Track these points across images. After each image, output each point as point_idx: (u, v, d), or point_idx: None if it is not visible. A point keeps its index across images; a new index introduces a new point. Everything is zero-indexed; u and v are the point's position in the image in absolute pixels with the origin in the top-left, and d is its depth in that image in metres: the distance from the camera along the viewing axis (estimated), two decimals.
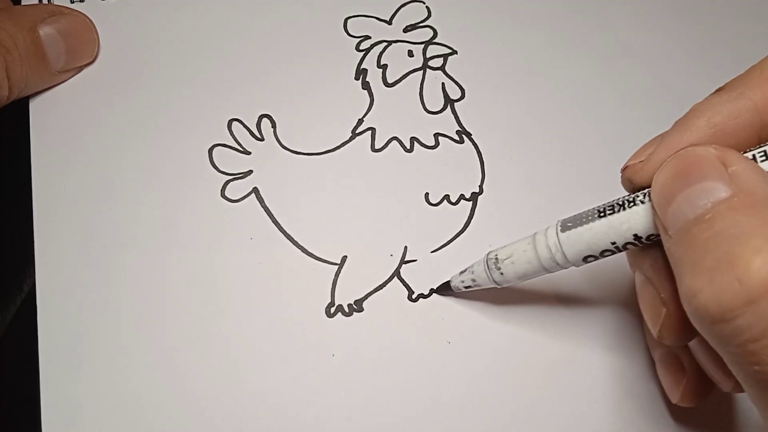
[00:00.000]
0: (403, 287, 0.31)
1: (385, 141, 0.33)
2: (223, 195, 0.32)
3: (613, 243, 0.24)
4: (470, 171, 0.33)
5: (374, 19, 0.35)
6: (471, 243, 0.32)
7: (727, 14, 0.38)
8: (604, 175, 0.33)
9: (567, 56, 0.36)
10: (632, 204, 0.24)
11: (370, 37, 0.35)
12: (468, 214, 0.32)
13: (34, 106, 0.32)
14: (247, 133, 0.33)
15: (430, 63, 0.35)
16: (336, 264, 0.31)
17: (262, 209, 0.32)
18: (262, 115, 0.33)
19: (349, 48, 0.35)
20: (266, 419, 0.28)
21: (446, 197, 0.32)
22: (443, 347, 0.30)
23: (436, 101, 0.34)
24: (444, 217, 0.32)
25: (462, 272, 0.30)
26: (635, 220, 0.23)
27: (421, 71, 0.35)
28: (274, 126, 0.33)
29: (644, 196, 0.23)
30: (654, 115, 0.35)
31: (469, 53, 0.35)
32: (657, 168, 0.23)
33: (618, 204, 0.24)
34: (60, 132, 0.32)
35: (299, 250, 0.31)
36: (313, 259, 0.31)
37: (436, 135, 0.34)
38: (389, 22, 0.35)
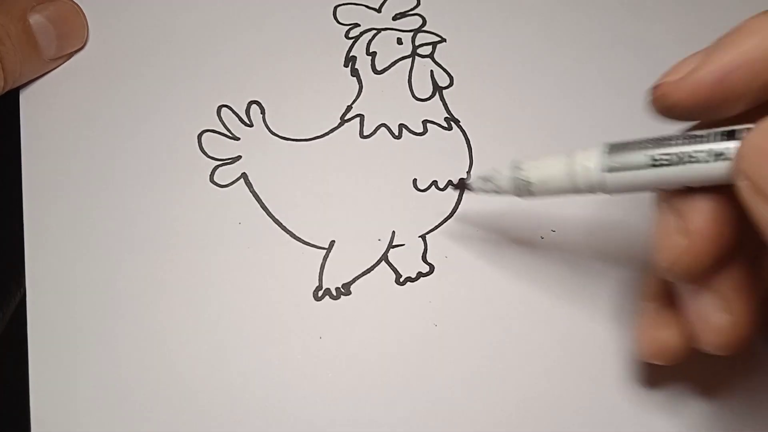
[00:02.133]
0: (391, 271, 0.31)
1: (374, 127, 0.33)
2: (211, 180, 0.32)
3: (660, 188, 0.22)
4: (458, 157, 0.33)
5: (363, 7, 0.35)
6: (458, 228, 0.32)
7: (718, 4, 0.38)
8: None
9: (556, 44, 0.36)
10: (693, 160, 0.21)
11: (359, 25, 0.35)
12: (456, 200, 0.33)
13: (25, 96, 0.32)
14: (236, 119, 0.33)
15: (419, 51, 0.35)
16: (324, 248, 0.31)
17: (250, 194, 0.32)
18: (251, 101, 0.33)
19: (338, 35, 0.35)
20: (254, 401, 0.29)
21: (434, 183, 0.33)
22: (430, 330, 0.30)
23: (424, 88, 0.34)
24: (432, 202, 0.32)
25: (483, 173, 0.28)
26: (691, 175, 0.21)
27: (410, 59, 0.35)
28: (263, 112, 0.33)
29: (708, 154, 0.20)
30: (642, 104, 0.35)
31: (458, 41, 0.36)
32: (696, 87, 0.20)
33: (677, 156, 0.21)
34: (50, 119, 0.32)
35: (287, 235, 0.31)
36: (301, 244, 0.31)
37: (425, 122, 0.34)
38: (378, 10, 0.35)
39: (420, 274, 0.31)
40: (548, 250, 0.32)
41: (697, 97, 0.21)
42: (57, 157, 0.31)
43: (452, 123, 0.34)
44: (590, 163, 0.23)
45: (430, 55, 0.35)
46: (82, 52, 0.33)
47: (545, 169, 0.25)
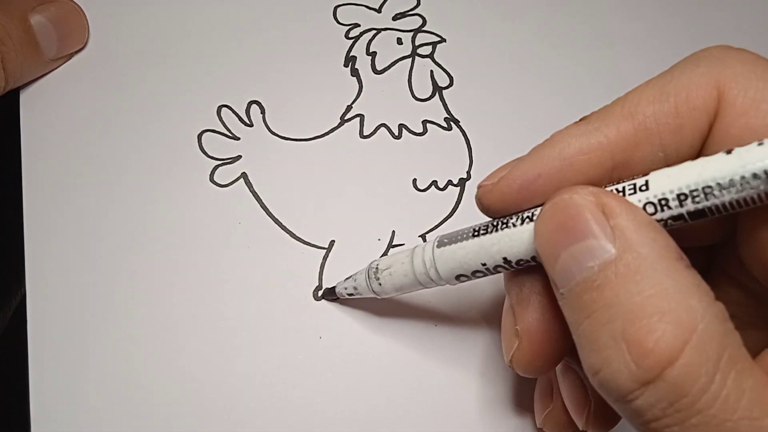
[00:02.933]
0: None
1: (374, 127, 0.33)
2: (212, 180, 0.32)
3: (484, 264, 0.23)
4: (458, 157, 0.33)
5: (363, 8, 0.35)
6: (458, 227, 0.32)
7: (712, 4, 0.38)
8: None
9: (554, 45, 0.36)
10: (505, 226, 0.23)
11: (359, 25, 0.35)
12: (455, 200, 0.33)
13: (25, 96, 0.33)
14: (236, 119, 0.33)
15: (419, 51, 0.35)
16: (324, 248, 0.31)
17: (250, 194, 0.32)
18: (251, 101, 0.33)
19: (338, 36, 0.35)
20: (254, 400, 0.29)
21: (434, 183, 0.33)
22: (430, 330, 0.30)
23: (424, 89, 0.34)
24: (432, 202, 0.32)
25: (347, 278, 0.29)
26: (505, 243, 0.22)
27: (410, 59, 0.35)
28: (263, 112, 0.33)
29: (517, 219, 0.22)
30: None
31: (457, 41, 0.36)
32: (505, 193, 0.22)
33: (492, 225, 0.23)
34: (50, 119, 0.32)
35: (287, 235, 0.31)
36: (301, 244, 0.31)
37: (425, 122, 0.34)
38: (378, 11, 0.35)
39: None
40: None
41: (507, 201, 0.23)
42: (57, 157, 0.31)
43: (452, 123, 0.34)
44: (427, 246, 0.25)
45: (430, 55, 0.35)
46: (82, 53, 0.33)
47: (393, 259, 0.27)
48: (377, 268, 0.27)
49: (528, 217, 0.22)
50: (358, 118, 0.34)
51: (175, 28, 0.34)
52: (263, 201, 0.32)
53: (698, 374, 0.17)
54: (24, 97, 0.32)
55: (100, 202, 0.31)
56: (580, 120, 0.23)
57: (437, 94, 0.34)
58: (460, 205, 0.32)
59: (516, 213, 0.23)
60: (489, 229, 0.23)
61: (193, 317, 0.30)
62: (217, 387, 0.29)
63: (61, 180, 0.31)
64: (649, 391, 0.18)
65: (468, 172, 0.33)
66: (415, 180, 0.33)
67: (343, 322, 0.30)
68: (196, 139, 0.32)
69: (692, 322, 0.18)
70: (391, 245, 0.32)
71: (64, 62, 0.33)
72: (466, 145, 0.34)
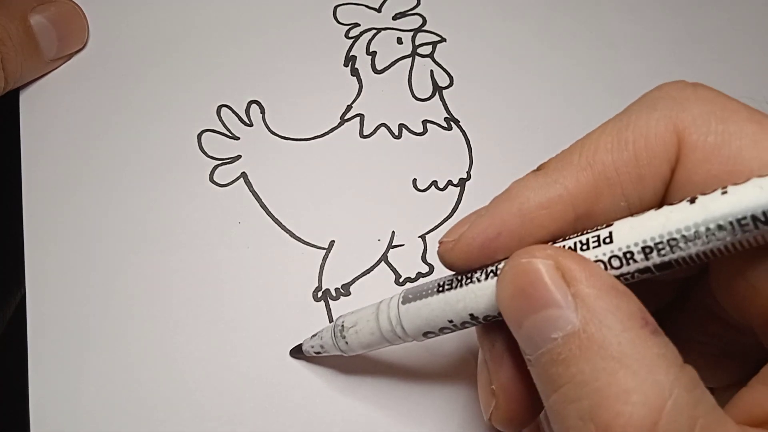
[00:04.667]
0: (391, 272, 0.31)
1: (374, 127, 0.33)
2: (211, 180, 0.32)
3: (450, 321, 0.23)
4: (458, 157, 0.33)
5: (363, 7, 0.35)
6: None
7: (712, 4, 0.38)
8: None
9: (555, 45, 0.36)
10: (469, 281, 0.22)
11: (359, 25, 0.35)
12: (456, 200, 0.33)
13: (25, 96, 0.33)
14: (236, 118, 0.33)
15: (419, 50, 0.35)
16: (324, 248, 0.31)
17: (250, 194, 0.32)
18: (251, 101, 0.33)
19: (338, 35, 0.35)
20: (254, 400, 0.29)
21: (434, 183, 0.33)
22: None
23: (424, 88, 0.34)
24: (432, 202, 0.32)
25: (313, 336, 0.28)
26: (471, 299, 0.22)
27: (410, 58, 0.35)
28: (263, 112, 0.33)
29: (481, 273, 0.22)
30: None
31: (457, 41, 0.36)
32: (466, 251, 0.22)
33: (457, 279, 0.22)
34: (50, 119, 0.32)
35: (287, 235, 0.31)
36: (301, 244, 0.31)
37: (425, 122, 0.34)
38: (378, 10, 0.35)
39: (420, 275, 0.31)
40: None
41: (469, 259, 0.22)
42: (57, 157, 0.32)
43: (452, 123, 0.34)
44: (392, 302, 0.24)
45: (430, 55, 0.35)
46: (82, 53, 0.33)
47: (358, 316, 0.26)
48: (343, 326, 0.26)
49: (492, 271, 0.21)
50: (358, 118, 0.34)
51: (175, 28, 0.34)
52: (263, 201, 0.32)
53: None
54: (24, 98, 0.32)
55: (100, 202, 0.31)
56: (538, 169, 0.22)
57: (437, 93, 0.34)
58: (460, 206, 0.32)
59: (454, 268, 0.22)
60: (454, 284, 0.22)
61: (193, 317, 0.30)
62: (217, 387, 0.29)
63: (61, 180, 0.31)
64: None
65: (468, 172, 0.33)
66: (415, 180, 0.33)
67: None
68: (196, 139, 0.32)
69: (660, 400, 0.17)
70: (391, 245, 0.32)
71: (64, 62, 0.33)
72: (466, 145, 0.34)
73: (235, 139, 0.33)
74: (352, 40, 0.35)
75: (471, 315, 0.22)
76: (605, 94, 0.35)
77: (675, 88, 0.21)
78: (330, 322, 0.30)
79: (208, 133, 0.33)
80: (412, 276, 0.31)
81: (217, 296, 0.30)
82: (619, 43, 0.36)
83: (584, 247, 0.20)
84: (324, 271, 0.31)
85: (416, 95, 0.34)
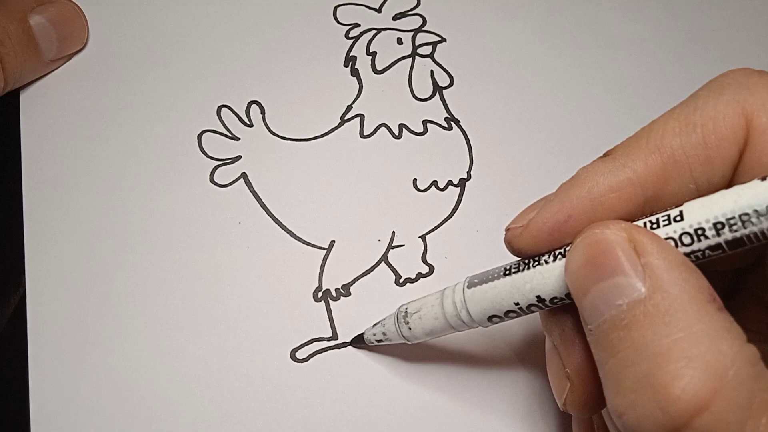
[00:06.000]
0: (391, 272, 0.31)
1: (374, 127, 0.33)
2: (212, 180, 0.32)
3: (517, 303, 0.23)
4: (458, 157, 0.33)
5: (363, 7, 0.35)
6: (459, 228, 0.32)
7: (712, 4, 0.38)
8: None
9: (555, 45, 0.36)
10: (537, 263, 0.22)
11: (359, 25, 0.35)
12: (456, 200, 0.33)
13: (25, 96, 0.33)
14: (236, 119, 0.33)
15: (419, 50, 0.35)
16: (324, 248, 0.31)
17: (250, 194, 0.32)
18: (251, 101, 0.33)
19: (338, 35, 0.35)
20: (254, 401, 0.29)
21: (434, 183, 0.33)
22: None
23: (424, 88, 0.34)
24: (432, 202, 0.32)
25: (375, 324, 0.28)
26: (538, 280, 0.22)
27: (410, 59, 0.35)
28: (263, 112, 0.33)
29: (549, 255, 0.22)
30: (640, 104, 0.35)
31: (458, 41, 0.36)
32: (535, 236, 0.22)
33: (524, 263, 0.23)
34: (50, 120, 0.32)
35: (287, 235, 0.31)
36: (301, 244, 0.31)
37: (425, 122, 0.34)
38: (378, 10, 0.35)
39: (420, 275, 0.31)
40: None
41: (538, 244, 0.22)
42: (57, 157, 0.31)
43: (452, 123, 0.34)
44: (457, 287, 0.25)
45: (430, 55, 0.35)
46: (82, 53, 0.33)
47: (422, 302, 0.26)
48: (406, 311, 0.26)
49: (560, 253, 0.22)
50: (358, 118, 0.34)
51: (175, 28, 0.34)
52: (263, 201, 0.32)
53: (728, 422, 0.17)
54: (24, 98, 0.32)
55: (100, 202, 0.31)
56: (605, 155, 0.22)
57: (437, 94, 0.34)
58: (460, 206, 0.32)
59: (522, 254, 0.23)
60: (521, 267, 0.23)
61: (193, 317, 0.30)
62: (217, 387, 0.29)
63: (61, 180, 0.31)
64: None
65: (468, 172, 0.33)
66: (415, 180, 0.33)
67: (343, 323, 0.30)
68: (196, 139, 0.32)
69: (722, 368, 0.17)
70: (391, 246, 0.32)
71: (64, 63, 0.33)
72: (466, 145, 0.34)
73: (235, 140, 0.33)
74: (352, 40, 0.35)
75: (538, 297, 0.22)
76: (605, 94, 0.35)
77: (741, 74, 0.21)
78: (330, 323, 0.30)
79: (209, 133, 0.33)
80: (412, 276, 0.31)
81: (218, 296, 0.30)
82: (619, 43, 0.36)
83: (654, 226, 0.20)
84: (324, 271, 0.31)
85: (416, 95, 0.34)
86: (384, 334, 0.28)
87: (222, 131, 0.33)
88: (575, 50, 0.36)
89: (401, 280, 0.31)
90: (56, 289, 0.30)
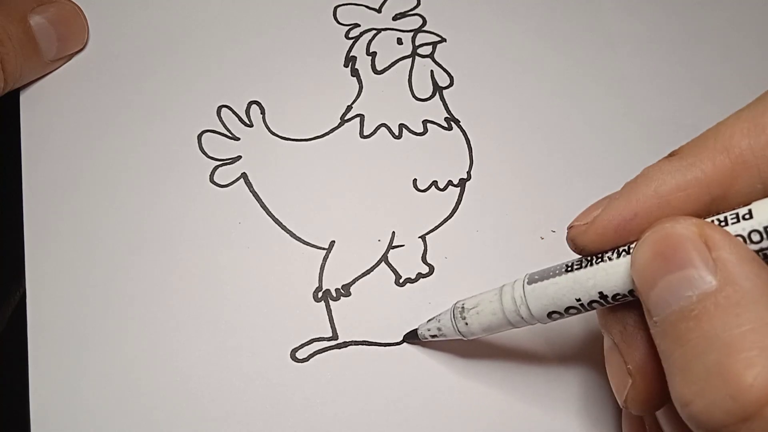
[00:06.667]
0: (391, 272, 0.31)
1: (374, 127, 0.33)
2: (212, 180, 0.32)
3: (578, 300, 0.23)
4: (458, 157, 0.33)
5: (363, 8, 0.35)
6: (459, 228, 0.32)
7: (712, 4, 0.38)
8: (591, 163, 0.33)
9: (555, 45, 0.36)
10: (600, 260, 0.22)
11: (359, 25, 0.35)
12: (456, 200, 0.33)
13: (25, 96, 0.33)
14: (236, 119, 0.33)
15: (419, 51, 0.35)
16: (324, 249, 0.31)
17: (250, 194, 0.32)
18: (251, 101, 0.33)
19: (338, 36, 0.35)
20: (254, 401, 0.29)
21: (434, 183, 0.33)
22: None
23: (424, 88, 0.34)
24: (432, 202, 0.32)
25: (430, 320, 0.28)
26: (601, 276, 0.22)
27: (410, 59, 0.35)
28: (263, 112, 0.33)
29: (613, 252, 0.22)
30: (640, 104, 0.35)
31: (458, 41, 0.36)
32: (601, 233, 0.22)
33: (586, 260, 0.23)
34: (50, 120, 0.32)
35: (287, 235, 0.31)
36: (301, 244, 0.31)
37: (425, 122, 0.34)
38: (378, 11, 0.35)
39: (420, 275, 0.31)
40: (548, 250, 0.32)
41: (603, 241, 0.23)
42: (57, 157, 0.32)
43: (452, 123, 0.34)
44: (516, 284, 0.25)
45: (430, 55, 0.35)
46: (82, 54, 0.33)
47: (480, 298, 0.26)
48: (463, 307, 0.26)
49: (624, 250, 0.22)
50: (358, 118, 0.34)
51: (175, 28, 0.34)
52: (263, 201, 0.32)
53: None
54: (24, 98, 0.33)
55: (100, 202, 0.31)
56: (671, 154, 0.22)
57: (437, 94, 0.34)
58: (460, 206, 0.32)
59: (585, 252, 0.23)
60: (583, 264, 0.23)
61: (194, 317, 0.30)
62: (217, 387, 0.29)
63: (61, 180, 0.31)
64: (747, 427, 0.17)
65: (468, 173, 0.33)
66: (415, 180, 0.33)
67: (343, 324, 0.30)
68: (196, 140, 0.32)
69: None
70: (391, 246, 0.32)
71: (64, 63, 0.33)
72: (466, 145, 0.34)
73: (235, 140, 0.33)
74: (352, 40, 0.35)
75: (600, 293, 0.22)
76: (605, 94, 0.35)
77: None
78: (330, 323, 0.30)
79: (209, 133, 0.33)
80: (413, 276, 0.31)
81: (218, 296, 0.30)
82: (619, 43, 0.36)
83: (722, 223, 0.20)
84: (324, 271, 0.31)
85: (416, 95, 0.34)
86: (439, 329, 0.28)
87: (222, 131, 0.33)
88: (575, 50, 0.36)
89: (401, 280, 0.31)
90: (56, 289, 0.30)
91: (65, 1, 0.33)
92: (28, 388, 0.28)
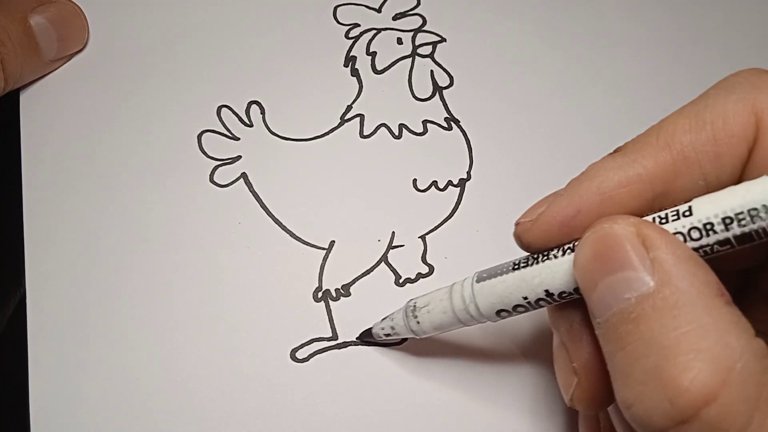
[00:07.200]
0: (390, 272, 0.31)
1: (374, 127, 0.33)
2: (212, 180, 0.32)
3: (525, 298, 0.23)
4: (458, 157, 0.33)
5: (363, 7, 0.35)
6: (458, 228, 0.32)
7: (712, 4, 0.38)
8: (591, 163, 0.33)
9: (556, 44, 0.36)
10: (546, 258, 0.22)
11: (359, 25, 0.35)
12: (456, 200, 0.33)
13: (25, 96, 0.33)
14: (236, 119, 0.33)
15: (419, 50, 0.35)
16: (324, 249, 0.31)
17: (250, 194, 0.32)
18: (251, 101, 0.33)
19: (338, 35, 0.35)
20: (254, 401, 0.29)
21: (434, 183, 0.33)
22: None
23: (424, 88, 0.34)
24: (432, 202, 0.32)
25: (384, 319, 0.28)
26: (547, 274, 0.22)
27: (410, 59, 0.35)
28: (263, 112, 0.33)
29: (558, 250, 0.22)
30: (640, 104, 0.35)
31: (458, 41, 0.36)
32: (545, 230, 0.22)
33: (533, 257, 0.23)
34: (50, 120, 0.32)
35: (287, 235, 0.31)
36: (301, 244, 0.31)
37: (425, 122, 0.34)
38: (378, 10, 0.35)
39: (420, 275, 0.31)
40: None
41: (547, 238, 0.23)
42: (57, 157, 0.32)
43: (452, 123, 0.34)
44: (465, 282, 0.25)
45: (430, 55, 0.35)
46: (82, 54, 0.33)
47: (431, 297, 0.26)
48: (415, 306, 0.27)
49: (569, 248, 0.22)
50: (358, 118, 0.34)
51: (175, 28, 0.34)
52: (263, 201, 0.32)
53: (736, 414, 0.17)
54: (24, 98, 0.33)
55: (100, 202, 0.31)
56: (615, 151, 0.22)
57: (437, 94, 0.34)
58: (460, 206, 0.32)
59: (531, 249, 0.23)
60: (529, 262, 0.23)
61: (193, 317, 0.30)
62: (217, 387, 0.29)
63: (61, 180, 0.31)
64: (684, 431, 0.17)
65: (468, 173, 0.33)
66: (415, 180, 0.33)
67: (343, 324, 0.30)
68: (196, 140, 0.32)
69: (730, 361, 0.17)
70: (391, 246, 0.32)
71: (64, 63, 0.33)
72: (466, 145, 0.34)
73: (235, 140, 0.33)
74: (352, 40, 0.35)
75: (546, 291, 0.22)
76: (605, 94, 0.35)
77: (752, 74, 0.22)
78: (330, 323, 0.30)
79: (209, 133, 0.33)
80: (412, 277, 0.31)
81: (218, 296, 0.30)
82: (619, 43, 0.36)
83: (663, 221, 0.20)
84: (324, 271, 0.31)
85: (416, 95, 0.34)
86: (392, 328, 0.28)
87: (222, 131, 0.33)
88: (575, 50, 0.36)
89: (401, 281, 0.31)
90: (56, 289, 0.30)
91: (65, 1, 0.33)
92: (28, 388, 0.28)
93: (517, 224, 0.23)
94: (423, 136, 0.33)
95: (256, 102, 0.33)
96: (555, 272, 0.22)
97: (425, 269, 0.31)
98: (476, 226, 0.32)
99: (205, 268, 0.30)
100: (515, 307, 0.23)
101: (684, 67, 0.36)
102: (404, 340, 0.30)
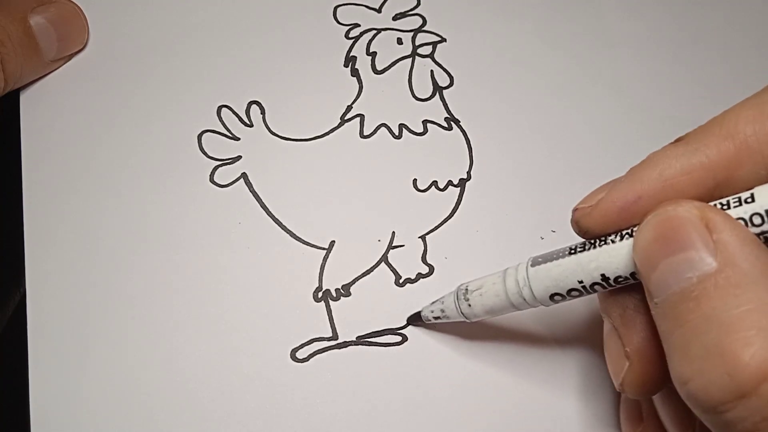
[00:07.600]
0: (391, 272, 0.31)
1: (374, 127, 0.33)
2: (212, 180, 0.32)
3: (581, 282, 0.23)
4: (458, 157, 0.33)
5: (363, 8, 0.35)
6: (458, 228, 0.32)
7: (712, 4, 0.38)
8: (591, 163, 0.33)
9: (555, 45, 0.36)
10: (603, 243, 0.23)
11: (359, 25, 0.35)
12: (456, 200, 0.33)
13: (25, 97, 0.33)
14: (236, 119, 0.33)
15: (419, 51, 0.35)
16: (324, 249, 0.31)
17: (250, 194, 0.32)
18: (251, 101, 0.33)
19: (338, 36, 0.35)
20: (254, 401, 0.29)
21: (434, 183, 0.33)
22: (430, 331, 0.30)
23: (424, 88, 0.34)
24: (432, 202, 0.32)
25: (433, 302, 0.29)
26: (604, 259, 0.22)
27: (410, 59, 0.35)
28: (263, 112, 0.33)
29: (616, 235, 0.23)
30: (640, 104, 0.35)
31: (458, 41, 0.36)
32: (604, 215, 0.23)
33: (590, 242, 0.23)
34: (50, 120, 0.32)
35: (287, 235, 0.31)
36: (301, 244, 0.31)
37: (425, 122, 0.34)
38: (378, 11, 0.35)
39: (420, 276, 0.31)
40: (548, 250, 0.32)
41: (606, 223, 0.23)
42: (57, 157, 0.32)
43: (452, 123, 0.34)
44: (520, 266, 0.25)
45: (430, 55, 0.35)
46: (82, 54, 0.33)
47: (483, 280, 0.26)
48: (467, 289, 0.27)
49: (627, 233, 0.22)
50: (358, 118, 0.34)
51: (175, 28, 0.34)
52: (263, 201, 0.32)
53: None
54: (24, 98, 0.33)
55: (100, 202, 0.31)
56: (676, 141, 0.23)
57: (437, 94, 0.34)
58: (460, 206, 0.32)
59: (589, 234, 0.23)
60: (587, 247, 0.23)
61: (194, 317, 0.30)
62: (217, 387, 0.29)
63: (61, 180, 0.31)
64: (743, 405, 0.18)
65: (468, 173, 0.33)
66: (415, 180, 0.33)
67: (343, 324, 0.30)
68: (196, 140, 0.32)
69: None
70: (391, 246, 0.32)
71: (64, 63, 0.33)
72: (466, 145, 0.34)
73: (235, 140, 0.33)
74: (352, 40, 0.35)
75: (602, 276, 0.22)
76: (605, 94, 0.35)
77: None
78: (330, 323, 0.30)
79: (209, 133, 0.33)
80: (412, 277, 0.31)
81: (218, 297, 0.30)
82: (619, 42, 0.36)
83: (725, 207, 0.21)
84: (324, 271, 0.31)
85: (416, 95, 0.34)
86: (442, 311, 0.28)
87: (222, 131, 0.33)
88: (575, 50, 0.36)
89: (401, 281, 0.31)
90: (56, 289, 0.30)
91: (65, 1, 0.33)
92: (28, 388, 0.28)
93: (575, 210, 0.24)
94: (423, 136, 0.33)
95: (256, 102, 0.33)
96: (612, 257, 0.22)
97: (425, 269, 0.31)
98: (476, 226, 0.32)
99: (205, 268, 0.30)
100: (570, 291, 0.24)
101: (684, 67, 0.36)
102: (404, 339, 0.30)
